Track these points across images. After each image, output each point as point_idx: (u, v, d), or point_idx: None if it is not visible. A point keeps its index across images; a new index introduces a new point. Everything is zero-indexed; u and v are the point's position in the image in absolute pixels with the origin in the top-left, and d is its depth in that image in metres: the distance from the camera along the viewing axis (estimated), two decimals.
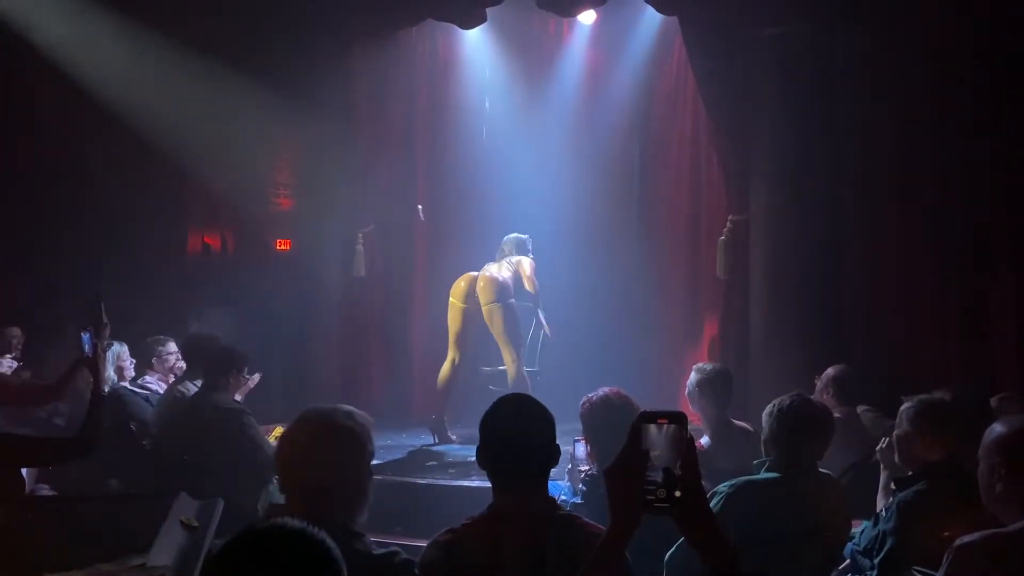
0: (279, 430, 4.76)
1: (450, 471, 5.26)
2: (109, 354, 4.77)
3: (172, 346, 5.00)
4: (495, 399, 2.08)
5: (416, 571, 1.94)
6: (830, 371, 4.23)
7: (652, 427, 1.29)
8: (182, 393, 4.40)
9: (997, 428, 2.18)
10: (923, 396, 3.04)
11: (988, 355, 4.83)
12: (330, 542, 1.25)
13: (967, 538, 2.04)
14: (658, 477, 1.27)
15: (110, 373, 4.76)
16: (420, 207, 7.03)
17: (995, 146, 4.87)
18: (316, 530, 1.25)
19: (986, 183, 4.92)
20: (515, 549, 1.87)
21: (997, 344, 4.80)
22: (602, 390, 2.99)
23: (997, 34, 4.80)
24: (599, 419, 2.90)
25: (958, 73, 4.94)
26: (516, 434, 1.97)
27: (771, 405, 2.84)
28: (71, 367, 3.92)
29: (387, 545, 2.05)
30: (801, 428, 2.75)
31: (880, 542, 2.74)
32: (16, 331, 5.28)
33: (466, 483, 4.83)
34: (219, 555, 1.23)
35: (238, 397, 5.02)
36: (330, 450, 1.99)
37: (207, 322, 5.70)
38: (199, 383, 4.34)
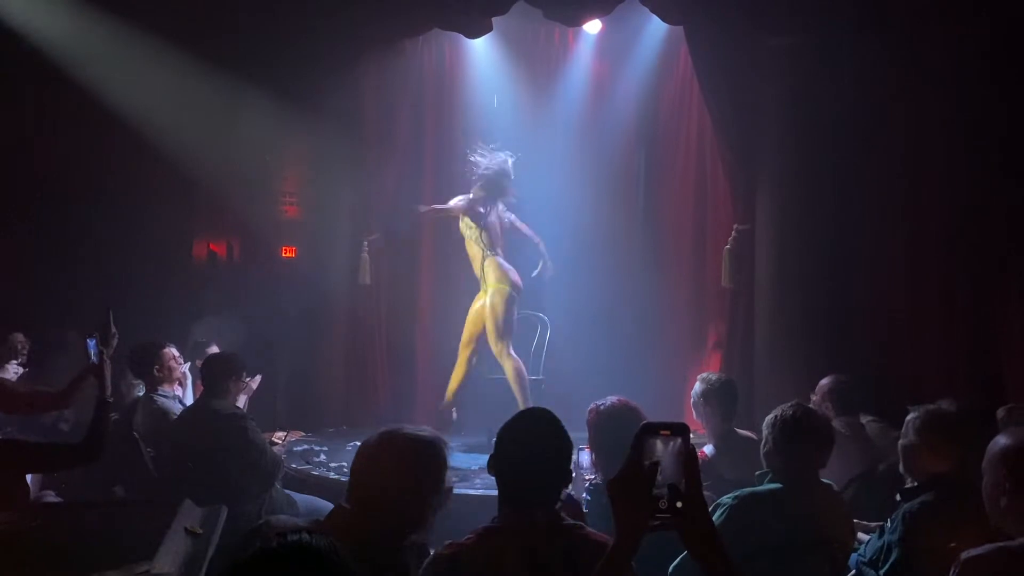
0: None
1: (453, 479, 5.25)
2: None
3: None
4: (515, 411, 2.09)
5: None
6: (825, 383, 4.19)
7: (655, 438, 1.29)
8: (158, 402, 4.39)
9: (1001, 440, 2.16)
10: (929, 406, 3.02)
11: (995, 365, 4.81)
12: (350, 563, 1.24)
13: (974, 551, 2.02)
14: (661, 490, 1.27)
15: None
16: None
17: (1004, 154, 4.86)
18: (341, 551, 1.24)
19: (994, 193, 4.90)
20: (519, 562, 1.86)
21: (1004, 355, 4.78)
22: (610, 399, 2.99)
23: (1005, 43, 4.79)
24: (606, 428, 2.90)
25: (966, 82, 4.94)
26: (531, 450, 1.97)
27: (771, 415, 2.84)
28: (79, 374, 3.93)
29: None
30: (802, 438, 2.75)
31: (885, 553, 2.73)
32: (20, 337, 5.29)
33: (471, 491, 4.83)
34: (241, 566, 1.22)
35: (242, 401, 5.05)
36: (408, 469, 2.00)
37: (211, 329, 5.71)
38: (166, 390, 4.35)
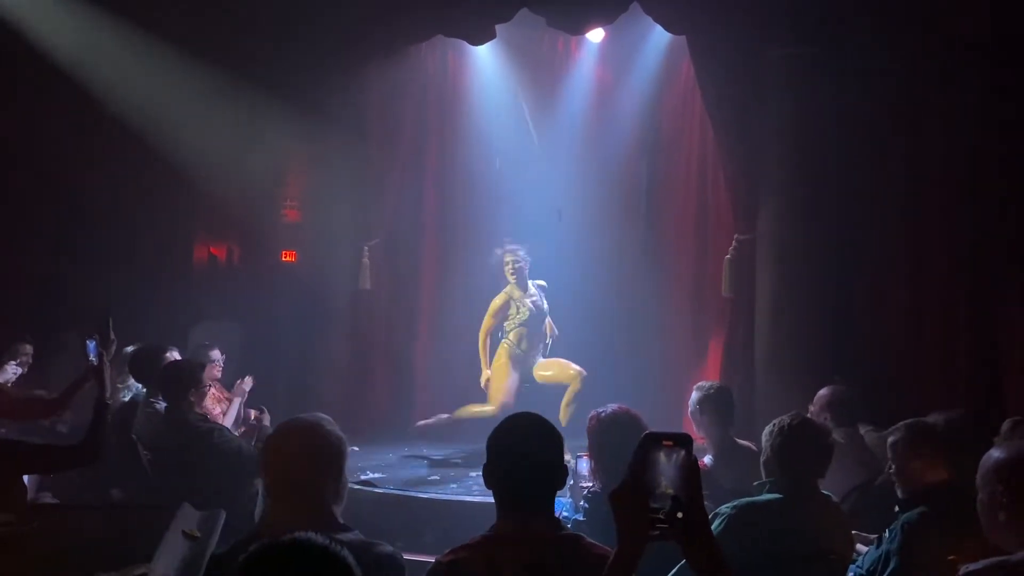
0: None
1: (452, 486, 5.26)
2: None
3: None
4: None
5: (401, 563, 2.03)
6: (824, 393, 4.15)
7: (658, 448, 1.29)
8: (157, 406, 4.38)
9: (995, 454, 2.15)
10: (910, 420, 3.07)
11: (997, 374, 4.81)
12: (351, 559, 1.28)
13: (974, 566, 2.00)
14: (663, 500, 1.27)
15: None
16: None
17: (1006, 159, 4.86)
18: (338, 547, 1.28)
19: (997, 205, 4.91)
20: (517, 572, 1.85)
21: (1006, 363, 4.78)
22: (611, 406, 2.98)
23: (1005, 43, 4.79)
24: (606, 435, 2.89)
25: (971, 95, 4.94)
26: (523, 455, 1.96)
27: (771, 425, 2.84)
28: (77, 378, 3.92)
29: None
30: (802, 448, 2.75)
31: (883, 563, 2.73)
32: (28, 348, 5.26)
33: (468, 498, 4.82)
34: (245, 564, 1.23)
35: (238, 401, 5.03)
36: (317, 451, 2.16)
37: (210, 333, 5.71)
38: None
